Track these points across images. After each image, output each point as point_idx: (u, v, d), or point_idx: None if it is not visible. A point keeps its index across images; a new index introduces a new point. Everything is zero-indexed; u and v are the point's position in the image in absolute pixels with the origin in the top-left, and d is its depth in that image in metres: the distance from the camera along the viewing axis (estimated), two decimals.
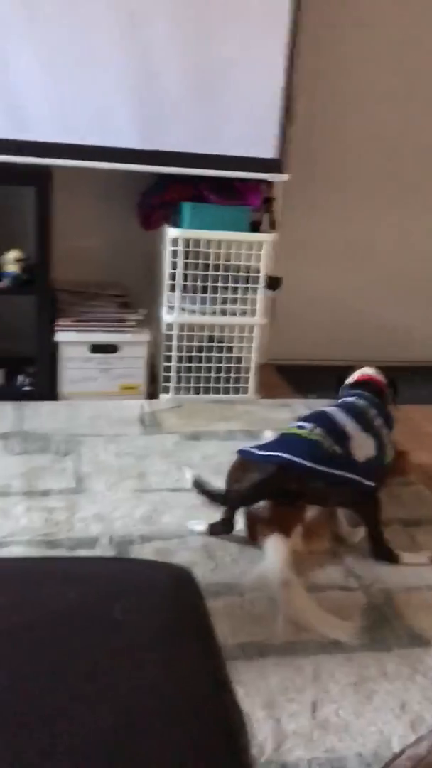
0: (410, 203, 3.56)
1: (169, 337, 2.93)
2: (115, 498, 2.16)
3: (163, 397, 2.99)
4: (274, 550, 1.78)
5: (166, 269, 2.86)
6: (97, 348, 2.90)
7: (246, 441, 2.41)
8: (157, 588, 1.07)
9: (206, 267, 2.85)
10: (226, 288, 2.91)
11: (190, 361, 2.99)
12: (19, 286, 2.78)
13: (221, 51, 2.66)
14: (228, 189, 2.86)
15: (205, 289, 2.88)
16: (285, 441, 1.94)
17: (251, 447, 1.97)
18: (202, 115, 2.72)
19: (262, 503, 1.89)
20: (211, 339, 3.00)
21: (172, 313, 2.90)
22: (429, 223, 3.61)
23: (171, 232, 2.81)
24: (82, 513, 2.07)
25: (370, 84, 3.34)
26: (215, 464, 2.36)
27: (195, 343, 2.99)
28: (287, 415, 2.77)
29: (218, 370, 3.03)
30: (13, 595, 1.01)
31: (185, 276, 2.85)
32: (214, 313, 2.93)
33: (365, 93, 3.34)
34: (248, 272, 2.90)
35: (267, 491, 1.88)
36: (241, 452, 1.98)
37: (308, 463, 1.84)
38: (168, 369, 2.97)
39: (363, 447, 1.95)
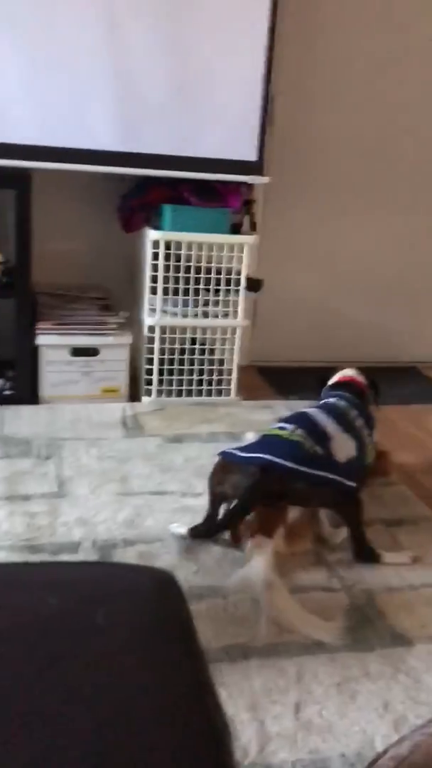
0: (388, 206, 3.59)
1: (151, 340, 2.93)
2: (98, 502, 2.16)
3: (145, 399, 2.99)
4: (257, 551, 1.78)
5: (147, 272, 2.85)
6: (78, 351, 2.89)
7: (228, 443, 2.41)
8: (139, 592, 1.07)
9: (187, 269, 2.85)
10: (207, 290, 2.91)
11: (171, 364, 2.99)
12: None
13: (202, 54, 2.67)
14: (208, 191, 2.87)
15: (186, 292, 2.89)
16: (267, 442, 1.95)
17: (233, 449, 1.97)
18: (182, 118, 2.72)
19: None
20: (192, 341, 3.00)
21: (154, 315, 2.90)
22: (406, 225, 3.64)
23: (152, 235, 2.81)
24: (64, 517, 2.06)
25: (350, 88, 3.36)
26: (197, 466, 2.37)
27: (177, 346, 2.98)
28: (269, 416, 2.78)
29: (200, 372, 3.03)
30: None
31: (166, 278, 2.85)
32: (195, 315, 2.93)
33: (344, 97, 3.37)
34: (229, 274, 2.91)
35: (254, 502, 1.87)
36: (223, 454, 1.99)
37: (290, 464, 1.84)
38: (150, 371, 2.96)
39: (344, 448, 1.96)
